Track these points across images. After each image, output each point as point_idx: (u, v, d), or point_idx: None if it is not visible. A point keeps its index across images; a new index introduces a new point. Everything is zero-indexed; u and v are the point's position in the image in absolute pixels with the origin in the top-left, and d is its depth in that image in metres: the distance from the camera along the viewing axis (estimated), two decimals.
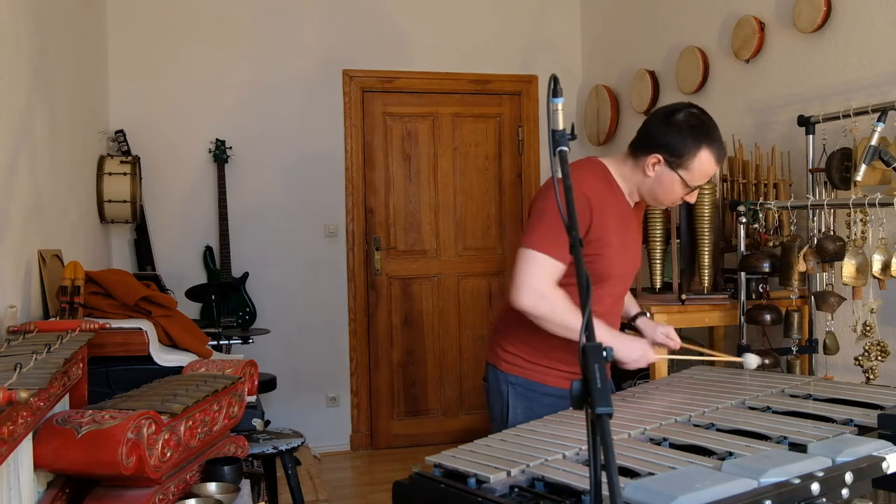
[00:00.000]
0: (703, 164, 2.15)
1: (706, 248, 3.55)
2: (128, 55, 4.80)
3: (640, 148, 2.20)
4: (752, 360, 2.34)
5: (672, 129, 2.15)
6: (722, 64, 4.24)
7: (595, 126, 5.34)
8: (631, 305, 2.54)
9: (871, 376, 3.00)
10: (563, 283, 2.15)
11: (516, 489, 1.51)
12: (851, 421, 1.82)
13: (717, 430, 1.80)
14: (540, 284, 2.08)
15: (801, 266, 3.16)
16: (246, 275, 4.98)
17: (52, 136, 3.03)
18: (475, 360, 5.38)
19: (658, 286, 3.60)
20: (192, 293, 4.37)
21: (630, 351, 2.19)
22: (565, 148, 1.54)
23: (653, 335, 2.41)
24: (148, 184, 4.69)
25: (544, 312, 2.09)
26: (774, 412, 1.93)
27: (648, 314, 2.54)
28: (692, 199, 2.27)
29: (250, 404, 2.51)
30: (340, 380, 5.24)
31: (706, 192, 3.54)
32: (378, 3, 5.24)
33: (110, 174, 4.13)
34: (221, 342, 4.13)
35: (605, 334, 2.16)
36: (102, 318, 2.51)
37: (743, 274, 3.40)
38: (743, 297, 3.42)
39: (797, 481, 1.43)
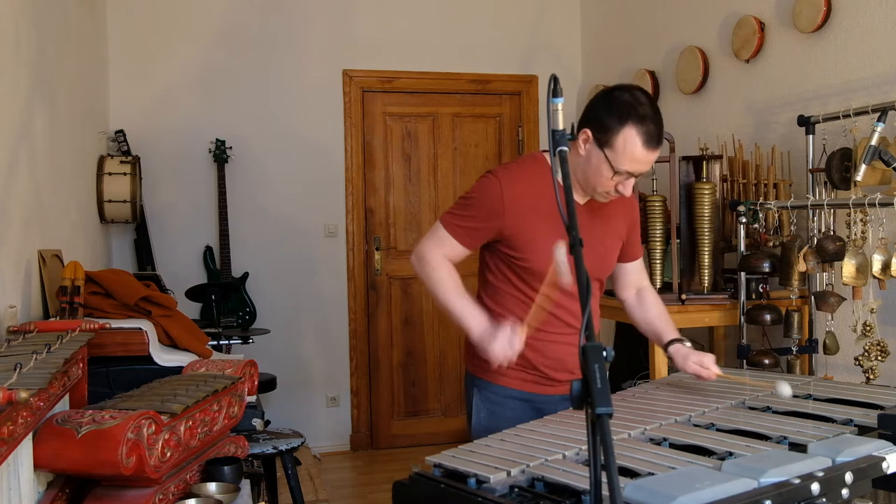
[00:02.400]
0: (628, 143, 2.00)
1: (706, 248, 3.55)
2: (128, 55, 4.80)
3: (578, 125, 2.09)
4: (785, 388, 1.95)
5: (604, 104, 2.04)
6: (722, 64, 4.24)
7: None
8: (665, 329, 2.32)
9: (871, 376, 3.00)
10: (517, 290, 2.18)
11: (516, 489, 1.51)
12: (851, 421, 1.82)
13: (717, 430, 1.80)
14: (429, 252, 2.20)
15: (801, 266, 3.16)
16: (246, 275, 4.98)
17: (52, 136, 3.03)
18: None
19: (658, 286, 3.60)
20: (192, 293, 4.37)
21: (492, 340, 2.03)
22: (565, 148, 1.54)
23: (683, 365, 2.20)
24: (148, 184, 4.69)
25: (420, 275, 2.22)
26: (774, 412, 1.93)
27: (687, 342, 2.25)
28: (626, 190, 2.10)
29: (250, 404, 2.51)
30: (340, 380, 5.23)
31: (706, 191, 3.54)
32: (378, 3, 5.24)
33: (110, 174, 4.13)
34: (221, 342, 4.13)
35: (470, 318, 2.12)
36: (102, 318, 2.50)
37: (743, 274, 3.41)
38: (743, 297, 3.42)
39: (797, 481, 1.43)
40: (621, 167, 2.03)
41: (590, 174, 2.09)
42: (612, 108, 2.02)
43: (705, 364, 2.16)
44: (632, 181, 2.09)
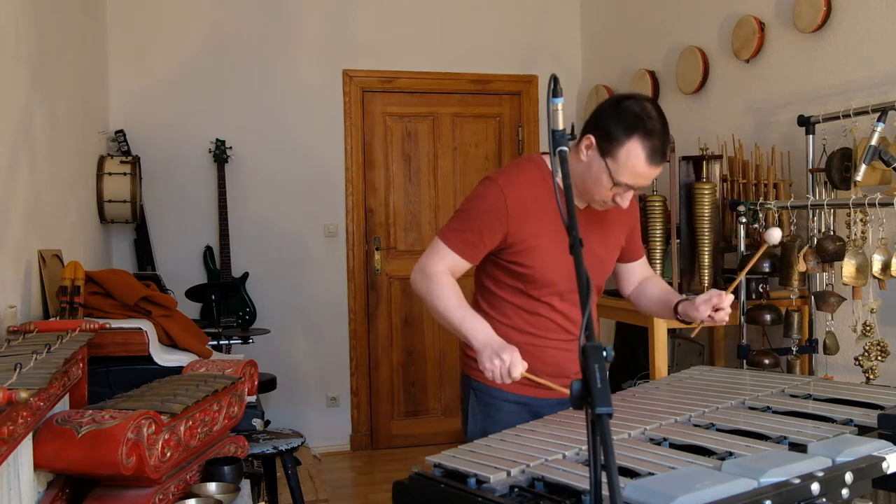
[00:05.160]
0: (631, 156, 1.96)
1: (706, 248, 3.55)
2: (128, 55, 4.80)
3: (583, 130, 2.05)
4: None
5: (613, 113, 1.98)
6: (722, 64, 4.24)
7: None
8: (669, 297, 2.28)
9: (871, 376, 3.00)
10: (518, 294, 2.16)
11: (516, 489, 1.51)
12: (851, 421, 1.82)
13: (717, 430, 1.80)
14: (430, 266, 2.13)
15: (801, 266, 3.16)
16: (246, 275, 4.98)
17: (52, 136, 3.03)
18: None
19: None
20: (192, 293, 4.37)
21: (486, 356, 1.96)
22: (565, 148, 1.54)
23: (696, 316, 2.15)
24: (148, 184, 4.69)
25: (420, 290, 2.15)
26: (774, 412, 1.93)
27: (690, 296, 2.22)
28: (624, 202, 2.05)
29: (250, 404, 2.51)
30: (340, 380, 5.23)
31: (706, 191, 3.54)
32: (378, 3, 5.24)
33: (110, 174, 4.13)
34: (221, 342, 4.13)
35: (472, 328, 2.04)
36: (102, 318, 2.50)
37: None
38: (743, 297, 3.42)
39: (797, 481, 1.43)
40: (621, 179, 1.99)
41: (588, 182, 2.05)
42: (619, 118, 1.96)
43: (715, 304, 2.10)
44: (630, 193, 2.05)
